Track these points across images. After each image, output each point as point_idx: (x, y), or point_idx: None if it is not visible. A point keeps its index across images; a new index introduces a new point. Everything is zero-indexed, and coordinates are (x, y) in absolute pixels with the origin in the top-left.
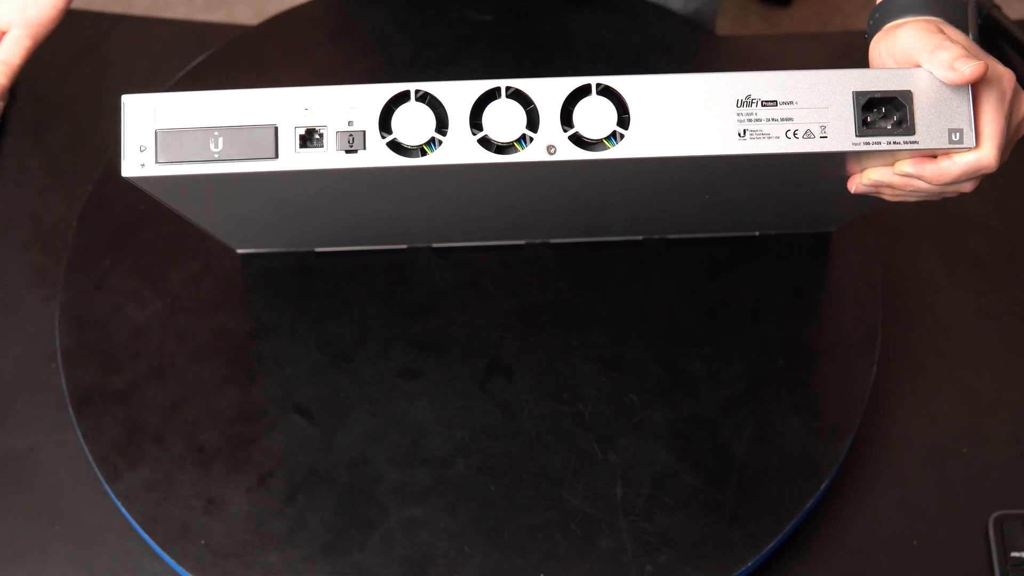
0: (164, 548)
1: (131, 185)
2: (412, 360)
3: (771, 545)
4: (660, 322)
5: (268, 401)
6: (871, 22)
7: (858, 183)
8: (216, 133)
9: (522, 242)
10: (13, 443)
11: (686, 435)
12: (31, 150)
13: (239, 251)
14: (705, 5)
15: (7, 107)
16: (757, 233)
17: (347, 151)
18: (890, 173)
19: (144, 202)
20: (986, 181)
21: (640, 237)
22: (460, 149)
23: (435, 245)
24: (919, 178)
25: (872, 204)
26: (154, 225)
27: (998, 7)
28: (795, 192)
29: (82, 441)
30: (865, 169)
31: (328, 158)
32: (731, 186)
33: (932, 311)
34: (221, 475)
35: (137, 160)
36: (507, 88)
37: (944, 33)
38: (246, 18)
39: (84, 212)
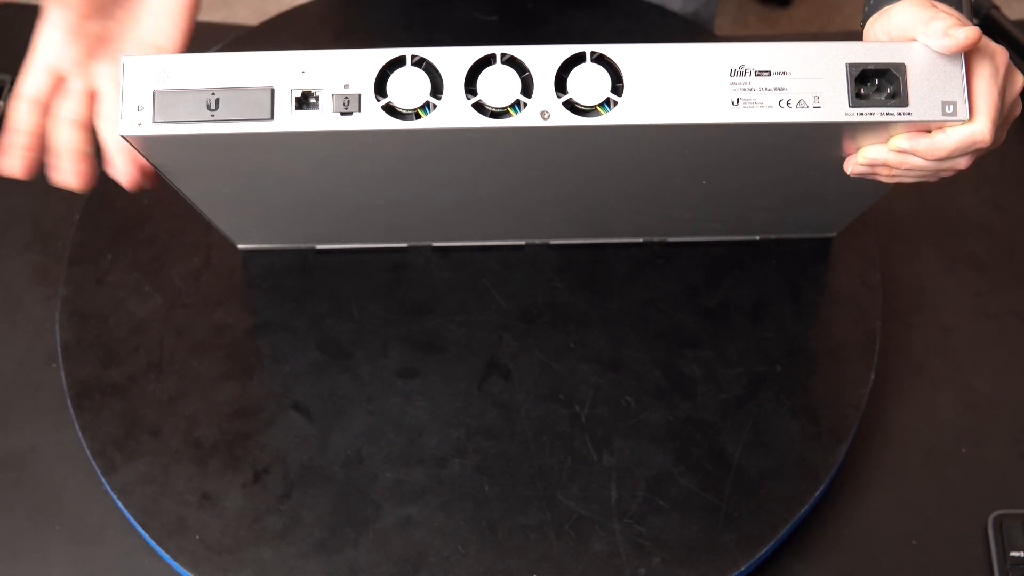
0: (159, 542)
1: None
2: (410, 359)
3: (765, 549)
4: (659, 324)
5: (266, 398)
6: (866, 8)
7: (854, 163)
8: (213, 94)
9: (522, 243)
10: (13, 443)
11: (683, 438)
12: None
13: (240, 247)
14: (704, 6)
15: (6, 107)
16: (758, 237)
17: (342, 113)
18: (885, 150)
19: (147, 197)
20: (985, 181)
21: (641, 239)
22: (454, 113)
23: (435, 244)
24: (914, 153)
25: (870, 198)
26: (156, 220)
27: (997, 7)
28: (792, 179)
29: (80, 434)
30: (860, 148)
31: (323, 120)
32: (727, 169)
33: (931, 311)
34: (217, 470)
35: (134, 119)
36: (502, 55)
37: (937, 7)
38: (246, 18)
39: (87, 207)
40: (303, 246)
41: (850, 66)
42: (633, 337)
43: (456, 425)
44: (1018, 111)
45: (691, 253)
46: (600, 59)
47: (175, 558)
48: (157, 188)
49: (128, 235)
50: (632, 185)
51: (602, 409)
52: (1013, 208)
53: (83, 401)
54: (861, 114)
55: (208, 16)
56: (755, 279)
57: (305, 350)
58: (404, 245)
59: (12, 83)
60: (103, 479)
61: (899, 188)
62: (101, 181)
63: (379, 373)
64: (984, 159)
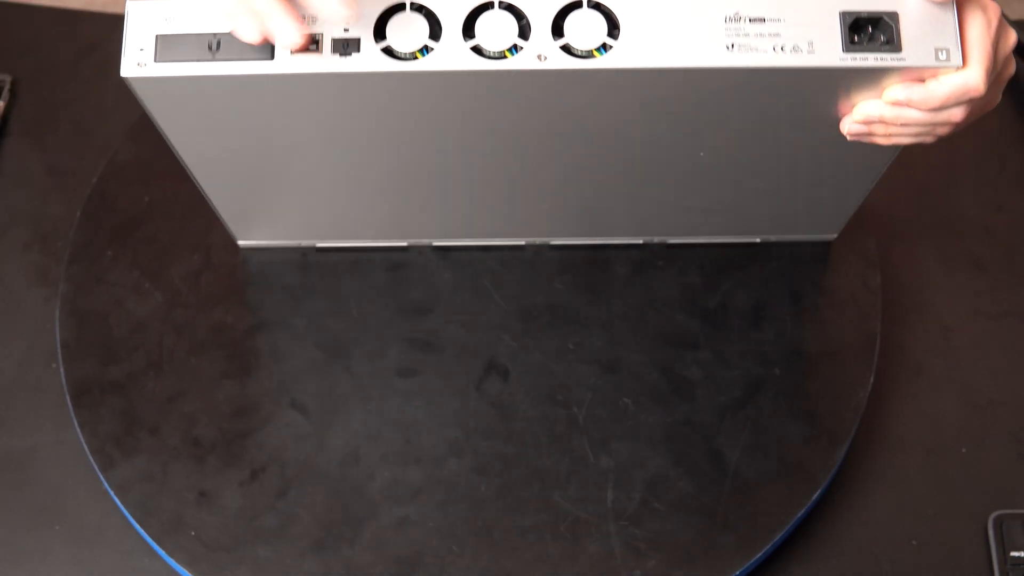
0: (156, 540)
1: (135, 178)
2: (409, 359)
3: (762, 552)
4: (658, 326)
5: (264, 396)
6: None
7: (850, 122)
8: (215, 36)
9: (522, 242)
10: (13, 443)
11: (680, 440)
12: (32, 150)
13: (240, 243)
14: None
15: (8, 107)
16: (758, 239)
17: (342, 55)
18: (880, 104)
19: (147, 195)
20: (985, 182)
21: (641, 240)
22: (452, 56)
23: (436, 244)
24: (908, 104)
25: (868, 182)
26: (156, 220)
27: None
28: (789, 154)
29: (79, 431)
30: (855, 105)
31: (323, 62)
32: (723, 133)
33: (931, 311)
34: (215, 468)
35: (136, 60)
36: (500, 1)
37: None
38: None
39: (87, 205)
40: (303, 243)
41: (844, 14)
42: (632, 339)
43: (454, 425)
44: (1011, 70)
45: (691, 255)
46: (596, 6)
47: (172, 556)
48: (157, 187)
49: (128, 234)
50: (631, 156)
51: (600, 410)
52: (1013, 209)
53: (82, 399)
54: (855, 59)
55: None
56: (754, 281)
57: (304, 349)
58: (404, 244)
59: (12, 83)
60: (101, 476)
61: (899, 188)
62: (101, 181)
63: (377, 372)
64: (984, 159)
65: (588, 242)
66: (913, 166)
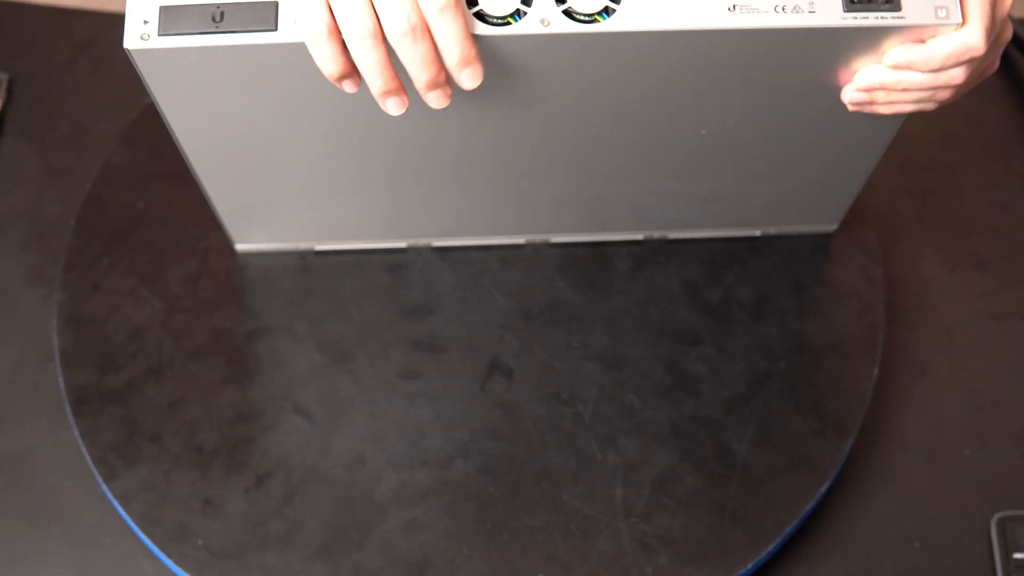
0: (162, 549)
1: (130, 183)
2: (412, 360)
3: (772, 546)
4: (661, 321)
5: (267, 401)
6: None
7: (851, 90)
8: (219, 7)
9: (522, 241)
10: (10, 444)
11: (687, 435)
12: (28, 149)
13: (238, 247)
14: None
15: (3, 106)
16: (758, 233)
17: None
18: (881, 69)
19: (143, 201)
20: (989, 182)
21: (641, 236)
22: None
23: (435, 244)
24: (909, 67)
25: (868, 163)
26: (152, 225)
27: None
28: (790, 131)
29: (80, 441)
30: (856, 73)
31: None
32: (724, 105)
33: (934, 312)
34: (219, 476)
35: (139, 32)
36: None
37: None
38: None
39: (82, 211)
40: (302, 246)
41: None
42: (635, 335)
43: (459, 426)
44: (1009, 33)
45: (691, 250)
46: None
47: (179, 564)
48: (152, 192)
49: (124, 240)
50: (631, 136)
51: (605, 408)
52: (1017, 208)
53: (82, 408)
54: (856, 18)
55: None
56: (756, 275)
57: (305, 353)
58: (403, 245)
59: (8, 82)
60: (104, 486)
61: (899, 189)
62: (96, 186)
63: (380, 375)
64: (989, 160)
65: (588, 239)
66: (916, 166)
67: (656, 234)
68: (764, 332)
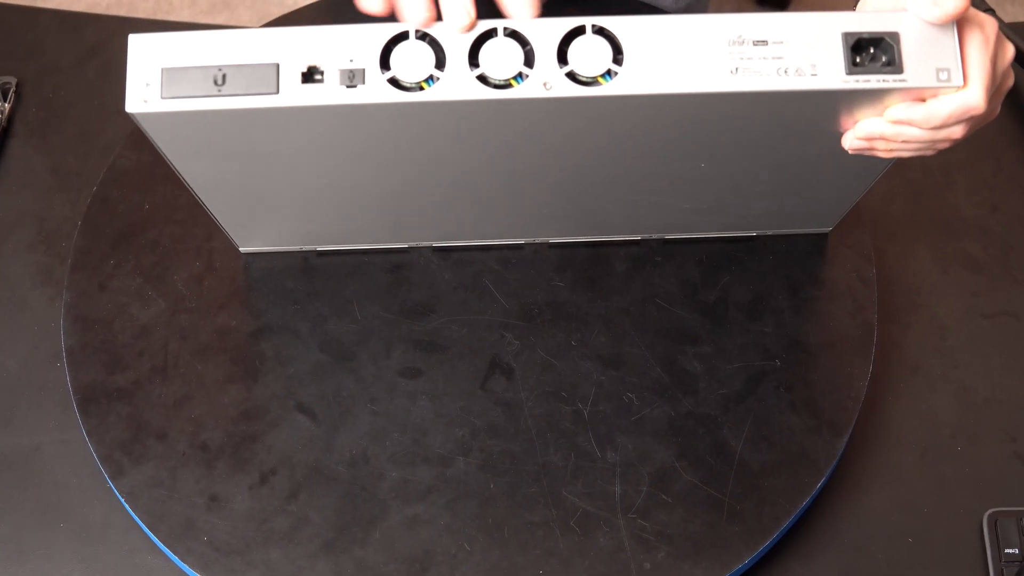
0: (168, 545)
1: (136, 185)
2: (413, 359)
3: (769, 542)
4: (659, 321)
5: (270, 400)
6: None
7: (852, 138)
8: (220, 70)
9: (522, 242)
10: (18, 441)
11: (685, 433)
12: (36, 151)
13: (242, 250)
14: (696, 2)
15: (12, 109)
16: (754, 234)
17: (347, 86)
18: (882, 122)
19: (148, 202)
20: (981, 183)
21: (639, 237)
22: (458, 85)
23: (436, 245)
24: (909, 123)
25: (865, 184)
26: (158, 225)
27: (992, 10)
28: (789, 162)
29: (87, 439)
30: (857, 122)
31: (329, 93)
32: (725, 149)
33: (927, 311)
34: (224, 473)
35: (141, 96)
36: (504, 28)
37: None
38: (248, 20)
39: (88, 212)
40: (305, 248)
41: (846, 35)
42: (633, 334)
43: (460, 424)
44: (1010, 82)
45: (688, 250)
46: (600, 31)
47: (184, 560)
48: (157, 193)
49: (130, 240)
50: (632, 168)
51: (604, 406)
52: (1009, 209)
53: (89, 406)
54: (858, 81)
55: (211, 18)
56: (752, 275)
57: (308, 352)
58: (405, 246)
59: (16, 85)
60: (111, 483)
61: (895, 189)
62: (103, 187)
63: (382, 374)
64: (981, 161)
65: (586, 240)
66: (909, 168)
67: (654, 235)
68: (760, 331)
